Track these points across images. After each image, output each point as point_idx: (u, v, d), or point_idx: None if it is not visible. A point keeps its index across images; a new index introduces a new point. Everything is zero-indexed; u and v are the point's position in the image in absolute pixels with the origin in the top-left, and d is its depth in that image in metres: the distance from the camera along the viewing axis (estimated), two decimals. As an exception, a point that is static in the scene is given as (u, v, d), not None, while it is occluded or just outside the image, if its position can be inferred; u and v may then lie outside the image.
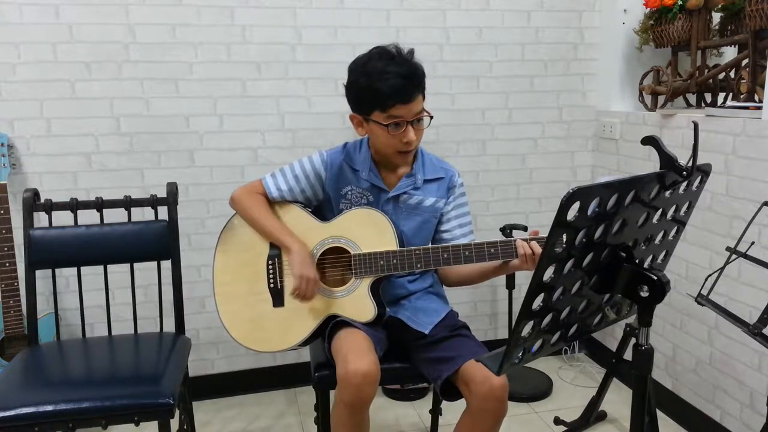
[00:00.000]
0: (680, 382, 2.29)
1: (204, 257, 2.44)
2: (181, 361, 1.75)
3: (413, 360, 1.67)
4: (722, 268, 1.37)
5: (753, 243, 1.37)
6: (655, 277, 1.03)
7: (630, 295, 1.07)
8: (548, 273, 0.96)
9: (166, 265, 1.92)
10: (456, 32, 2.53)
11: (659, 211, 1.11)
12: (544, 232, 2.72)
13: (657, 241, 1.17)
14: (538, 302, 0.98)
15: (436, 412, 2.04)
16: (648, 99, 2.47)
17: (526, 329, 1.00)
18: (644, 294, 1.04)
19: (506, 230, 2.53)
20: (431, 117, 1.64)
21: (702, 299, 1.41)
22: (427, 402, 2.41)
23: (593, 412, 2.28)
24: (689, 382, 2.24)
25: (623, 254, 1.07)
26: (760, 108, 1.91)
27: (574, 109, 2.71)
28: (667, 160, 1.06)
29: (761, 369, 1.92)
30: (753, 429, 1.97)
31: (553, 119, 2.70)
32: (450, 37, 2.53)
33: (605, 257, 1.06)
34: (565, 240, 0.94)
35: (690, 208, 1.20)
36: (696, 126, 1.05)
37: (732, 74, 2.31)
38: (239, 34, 2.35)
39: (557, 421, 2.26)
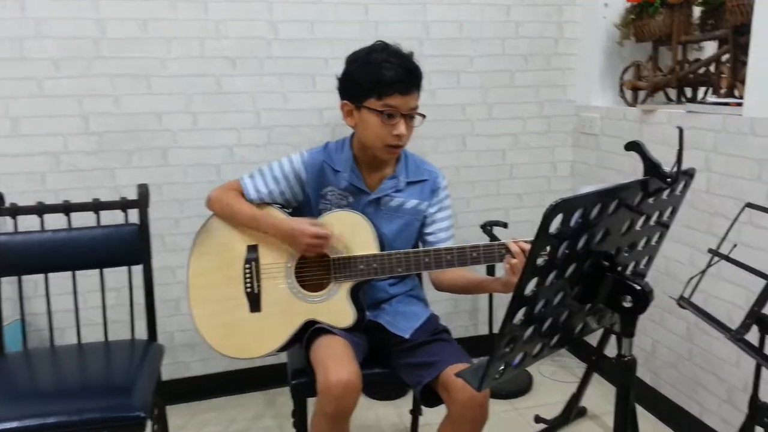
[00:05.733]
0: (660, 377, 2.29)
1: (178, 258, 2.38)
2: (154, 370, 1.70)
3: (393, 365, 1.64)
4: (704, 271, 1.36)
5: (735, 245, 1.36)
6: (639, 287, 1.01)
7: (613, 305, 1.04)
8: (530, 286, 0.93)
9: (138, 269, 1.86)
10: (436, 26, 2.49)
11: (642, 218, 1.09)
12: (524, 228, 2.74)
13: (640, 247, 1.15)
14: (519, 316, 0.95)
15: (416, 412, 2.02)
16: (628, 94, 2.45)
17: (507, 344, 0.97)
18: (627, 304, 1.02)
19: (486, 227, 2.51)
20: (423, 116, 1.62)
21: (684, 302, 1.40)
22: (407, 401, 2.39)
23: (573, 409, 2.28)
24: (669, 377, 2.25)
25: (606, 263, 1.05)
26: (740, 104, 1.90)
27: (554, 104, 2.69)
28: (651, 166, 1.04)
29: (740, 365, 1.92)
30: (732, 424, 1.97)
31: (534, 114, 2.68)
32: (430, 31, 2.49)
33: (588, 267, 1.03)
34: (547, 252, 0.91)
35: (673, 212, 1.18)
36: (681, 131, 1.02)
37: (712, 69, 2.30)
38: (213, 29, 2.28)
39: (537, 419, 2.25)
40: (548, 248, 0.90)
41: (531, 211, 2.74)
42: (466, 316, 2.77)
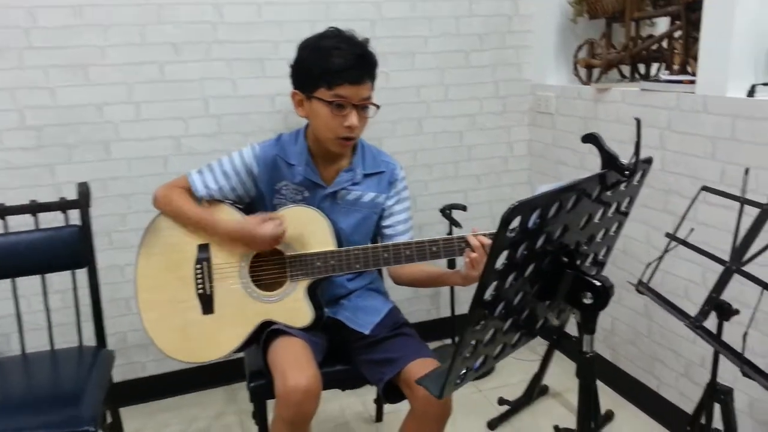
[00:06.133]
0: (618, 353, 2.33)
1: (127, 256, 2.28)
2: (103, 378, 1.63)
3: (354, 361, 1.61)
4: (662, 256, 1.35)
5: (693, 229, 1.36)
6: (599, 283, 0.99)
7: (573, 301, 1.02)
8: (489, 290, 0.89)
9: (83, 272, 1.77)
10: (389, 6, 2.42)
11: (601, 211, 1.07)
12: (483, 209, 2.72)
13: (599, 238, 1.13)
14: (478, 320, 0.92)
15: (380, 401, 2.00)
16: (583, 72, 2.44)
17: (468, 348, 0.94)
18: (588, 301, 1.00)
19: (446, 211, 2.48)
20: (377, 107, 1.56)
21: (642, 287, 1.40)
22: (371, 390, 2.37)
23: (536, 388, 2.30)
24: (627, 353, 2.28)
25: (565, 259, 1.02)
26: (693, 82, 1.90)
27: (509, 83, 2.66)
28: (609, 158, 1.01)
29: (696, 341, 1.96)
30: (689, 397, 2.02)
31: (490, 95, 2.64)
32: (383, 11, 2.41)
33: (547, 264, 1.00)
34: (506, 255, 0.88)
35: (631, 202, 1.16)
36: (638, 123, 1.00)
37: (665, 45, 2.30)
38: (154, 14, 2.16)
39: (501, 401, 2.26)
40: (507, 251, 0.87)
41: (489, 192, 2.72)
42: (427, 300, 2.76)
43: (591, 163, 2.34)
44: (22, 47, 2.05)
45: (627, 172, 1.00)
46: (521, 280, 0.96)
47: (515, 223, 0.85)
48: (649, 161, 1.12)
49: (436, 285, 1.69)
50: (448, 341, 2.71)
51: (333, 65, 1.48)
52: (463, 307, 2.78)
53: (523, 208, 0.83)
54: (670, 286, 2.00)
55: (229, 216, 1.58)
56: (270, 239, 1.49)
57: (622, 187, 1.08)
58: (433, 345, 2.71)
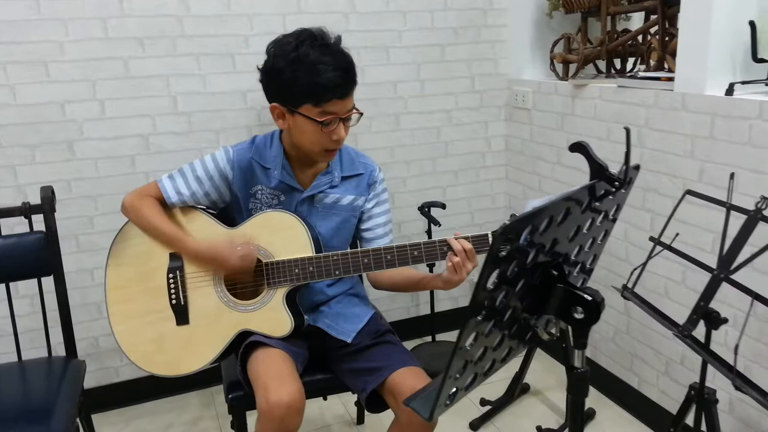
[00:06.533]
0: (599, 350, 2.33)
1: (96, 259, 2.20)
2: (74, 390, 1.56)
3: (336, 370, 1.57)
4: (646, 261, 1.34)
5: (678, 234, 1.34)
6: (590, 298, 0.96)
7: (563, 316, 0.99)
8: (479, 311, 0.86)
9: (49, 280, 1.69)
10: (362, -1, 2.36)
11: (589, 221, 1.04)
12: (461, 206, 2.69)
13: (586, 248, 1.10)
14: (470, 339, 0.89)
15: (361, 403, 1.96)
16: (559, 68, 2.41)
17: (457, 368, 0.91)
18: (579, 316, 0.97)
19: (424, 209, 2.45)
20: (361, 114, 1.50)
21: (628, 293, 1.38)
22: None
23: (517, 386, 2.29)
24: (607, 350, 2.29)
25: (555, 272, 1.00)
26: (671, 79, 1.89)
27: (486, 78, 2.63)
28: (598, 169, 0.98)
29: (676, 339, 1.96)
30: (669, 395, 2.03)
31: (466, 89, 2.60)
32: (356, 4, 2.35)
33: (537, 278, 0.97)
34: (497, 274, 0.84)
35: (618, 209, 1.13)
36: (628, 132, 0.97)
37: (640, 39, 2.29)
38: (116, 6, 2.06)
39: (483, 402, 2.25)
40: (498, 270, 0.83)
41: (467, 188, 2.69)
42: (406, 297, 2.73)
43: (568, 159, 2.33)
44: (-23, 43, 1.94)
45: (617, 183, 0.97)
46: (512, 296, 0.93)
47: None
48: (636, 168, 1.10)
49: (416, 289, 1.66)
50: (428, 339, 2.69)
51: (320, 83, 1.39)
52: (442, 305, 2.76)
53: (513, 228, 0.80)
54: (649, 284, 2.00)
55: (202, 226, 1.52)
56: (239, 269, 1.45)
57: (611, 196, 1.05)
58: (412, 343, 2.69)
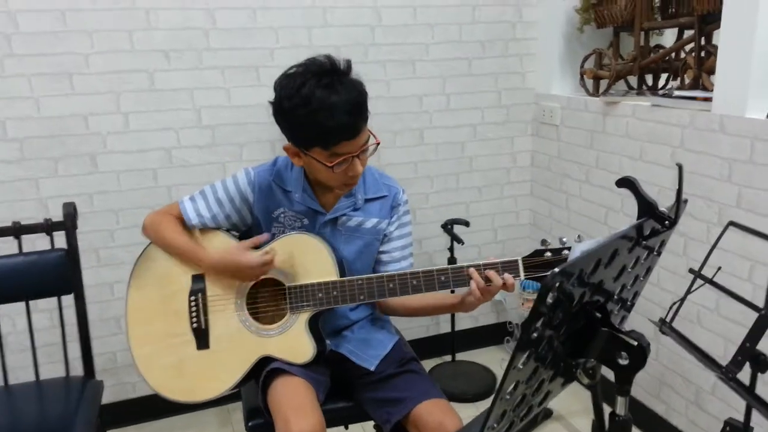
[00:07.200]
0: (626, 374, 2.26)
1: (117, 273, 2.18)
2: (92, 412, 1.54)
3: (359, 398, 1.52)
4: (685, 296, 1.28)
5: (720, 268, 1.29)
6: (635, 343, 0.91)
7: (606, 361, 0.94)
8: (522, 358, 0.81)
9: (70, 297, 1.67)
10: (388, 12, 2.32)
11: (634, 260, 0.99)
12: (485, 222, 2.64)
13: (629, 286, 1.05)
14: (510, 387, 0.84)
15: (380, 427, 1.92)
16: (589, 83, 2.35)
17: (496, 417, 0.86)
18: (623, 362, 0.92)
19: (447, 226, 2.40)
20: (378, 143, 1.44)
21: (666, 327, 1.32)
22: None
23: (540, 411, 2.23)
24: (635, 376, 2.21)
25: (598, 315, 0.94)
26: (708, 99, 1.83)
27: (513, 92, 2.57)
28: (647, 206, 0.93)
29: (706, 367, 1.89)
30: (699, 426, 1.96)
31: (492, 104, 2.55)
32: (382, 17, 2.31)
33: (580, 321, 0.92)
34: (542, 321, 0.79)
35: (663, 244, 1.08)
36: (680, 169, 0.92)
37: (673, 55, 2.22)
38: (143, 19, 2.05)
39: (506, 425, 2.19)
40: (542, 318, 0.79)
41: (491, 205, 2.64)
42: (427, 314, 2.68)
43: (597, 178, 2.27)
44: (2, 55, 1.93)
45: (667, 222, 0.92)
46: (554, 341, 0.88)
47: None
48: (685, 202, 1.04)
49: (432, 314, 1.59)
50: (448, 358, 2.64)
51: (326, 126, 1.31)
52: (463, 323, 2.70)
53: (563, 275, 0.75)
54: (682, 311, 1.90)
55: (222, 245, 1.48)
56: (257, 267, 1.40)
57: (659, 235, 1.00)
58: (432, 362, 2.64)
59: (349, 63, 1.38)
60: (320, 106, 1.30)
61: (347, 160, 1.37)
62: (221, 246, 1.48)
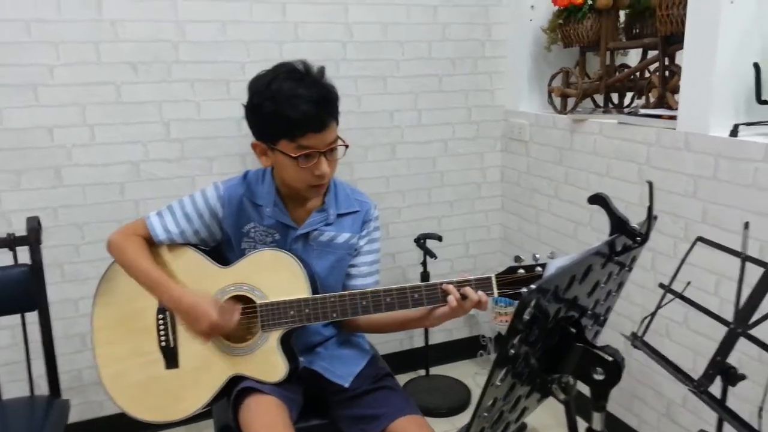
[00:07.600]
0: (595, 387, 2.28)
1: (82, 289, 2.11)
2: (57, 434, 1.48)
3: (333, 416, 1.50)
4: (656, 310, 1.30)
5: (689, 283, 1.31)
6: (610, 358, 0.92)
7: (582, 376, 0.95)
8: (500, 375, 0.81)
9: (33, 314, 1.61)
10: (360, 28, 2.33)
11: (607, 275, 1.00)
12: (456, 237, 2.65)
13: (602, 301, 1.06)
14: (488, 403, 0.84)
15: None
16: (557, 101, 2.40)
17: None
18: (598, 377, 0.93)
19: (420, 240, 2.40)
20: (347, 146, 1.45)
21: (638, 342, 1.34)
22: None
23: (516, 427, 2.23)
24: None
25: (573, 330, 0.95)
26: (673, 117, 1.87)
27: (483, 109, 2.60)
28: (619, 223, 0.95)
29: (678, 381, 1.92)
30: (669, 437, 1.98)
31: (463, 120, 2.58)
32: (354, 33, 2.32)
33: (555, 337, 0.93)
34: (518, 338, 0.80)
35: (633, 261, 1.10)
36: (651, 186, 0.93)
37: (638, 75, 2.28)
38: (109, 31, 2.02)
39: (479, 441, 2.18)
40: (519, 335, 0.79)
41: (462, 219, 2.66)
42: (398, 329, 2.67)
43: (565, 193, 2.30)
44: (-36, 65, 1.88)
45: (638, 239, 0.94)
46: (530, 358, 0.88)
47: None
48: (654, 218, 1.06)
49: (400, 329, 1.57)
50: (422, 372, 2.63)
51: (291, 117, 1.32)
52: (436, 337, 2.70)
53: (539, 292, 0.76)
54: (651, 325, 1.96)
55: (191, 263, 1.46)
56: (213, 327, 1.37)
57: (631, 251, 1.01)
58: (406, 376, 2.63)
59: (322, 69, 1.41)
60: (287, 96, 1.32)
61: (313, 156, 1.37)
62: (191, 264, 1.46)
